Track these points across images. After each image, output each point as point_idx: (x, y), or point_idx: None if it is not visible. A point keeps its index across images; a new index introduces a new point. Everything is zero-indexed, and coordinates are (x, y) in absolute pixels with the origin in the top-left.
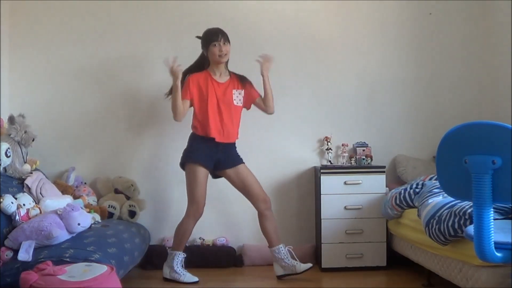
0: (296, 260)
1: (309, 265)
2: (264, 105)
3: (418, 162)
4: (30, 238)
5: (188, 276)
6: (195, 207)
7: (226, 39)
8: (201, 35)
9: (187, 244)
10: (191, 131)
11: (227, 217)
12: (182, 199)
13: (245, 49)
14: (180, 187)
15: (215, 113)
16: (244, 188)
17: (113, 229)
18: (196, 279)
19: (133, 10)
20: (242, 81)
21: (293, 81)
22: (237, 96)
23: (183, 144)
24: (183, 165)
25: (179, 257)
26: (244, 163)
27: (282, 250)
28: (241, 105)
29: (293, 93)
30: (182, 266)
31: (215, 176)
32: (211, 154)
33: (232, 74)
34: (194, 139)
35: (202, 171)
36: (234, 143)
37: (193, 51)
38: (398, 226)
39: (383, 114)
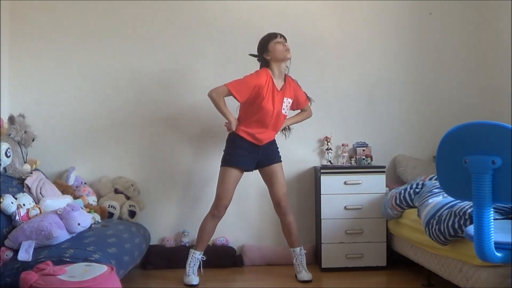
0: (303, 267)
1: (310, 276)
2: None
3: (418, 162)
4: (30, 238)
5: (189, 278)
6: (215, 204)
7: (285, 38)
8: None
9: (187, 244)
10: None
11: (227, 217)
12: (183, 199)
13: (246, 50)
14: (180, 187)
15: (265, 119)
16: (268, 186)
17: (113, 229)
18: (194, 283)
19: (134, 8)
20: (295, 90)
21: None
22: (286, 105)
23: (183, 144)
24: (223, 165)
25: (194, 256)
26: (280, 161)
27: (296, 252)
28: (287, 113)
29: None
30: (194, 266)
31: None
32: (253, 156)
33: (287, 78)
34: (235, 139)
35: (235, 175)
36: (274, 140)
37: (202, 54)
38: (398, 226)
39: (383, 114)
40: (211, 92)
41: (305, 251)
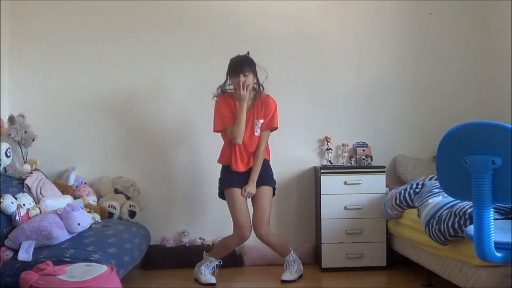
0: (288, 268)
1: (290, 277)
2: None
3: (418, 162)
4: (30, 238)
5: (207, 278)
6: (239, 232)
7: (248, 70)
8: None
9: (187, 244)
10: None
11: (227, 217)
12: (182, 199)
13: (244, 49)
14: (180, 187)
15: (240, 146)
16: (253, 209)
17: (113, 229)
18: (213, 281)
19: (136, 8)
20: (265, 110)
21: (293, 81)
22: (258, 127)
23: (183, 143)
24: (221, 194)
25: (212, 263)
26: (270, 186)
27: (287, 260)
28: (259, 134)
29: (293, 93)
30: (210, 270)
31: None
32: (241, 178)
33: (258, 99)
34: (224, 168)
35: (237, 193)
36: (265, 163)
37: (201, 61)
38: (398, 226)
39: (383, 114)
40: (237, 142)
41: (295, 255)
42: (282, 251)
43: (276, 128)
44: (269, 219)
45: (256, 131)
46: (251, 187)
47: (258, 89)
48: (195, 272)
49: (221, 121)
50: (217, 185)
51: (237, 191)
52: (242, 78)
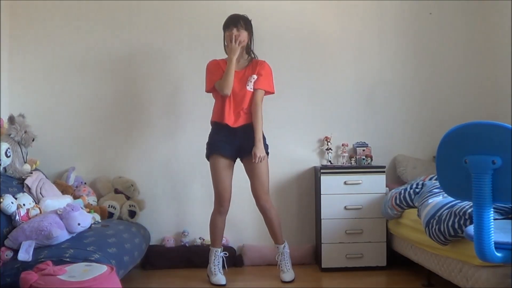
0: (285, 266)
1: (291, 277)
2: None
3: (418, 162)
4: (30, 238)
5: (217, 278)
6: (217, 201)
7: (242, 26)
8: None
9: (187, 244)
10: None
11: (227, 217)
12: (183, 199)
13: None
14: (180, 187)
15: (230, 99)
16: (249, 179)
17: (113, 229)
18: (222, 282)
19: (134, 6)
20: (259, 68)
21: (293, 81)
22: (251, 82)
23: (183, 143)
24: (208, 158)
25: (216, 254)
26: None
27: (280, 249)
28: (251, 89)
29: (293, 93)
30: (218, 264)
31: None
32: (230, 141)
33: (253, 61)
34: (213, 128)
35: (222, 163)
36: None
37: (190, 50)
38: (398, 226)
39: (383, 114)
40: (225, 93)
41: (288, 251)
42: (279, 233)
43: (272, 92)
44: (268, 188)
45: (248, 85)
46: (259, 149)
47: (251, 52)
48: (207, 270)
49: (211, 80)
50: None
51: (220, 161)
52: (235, 31)
